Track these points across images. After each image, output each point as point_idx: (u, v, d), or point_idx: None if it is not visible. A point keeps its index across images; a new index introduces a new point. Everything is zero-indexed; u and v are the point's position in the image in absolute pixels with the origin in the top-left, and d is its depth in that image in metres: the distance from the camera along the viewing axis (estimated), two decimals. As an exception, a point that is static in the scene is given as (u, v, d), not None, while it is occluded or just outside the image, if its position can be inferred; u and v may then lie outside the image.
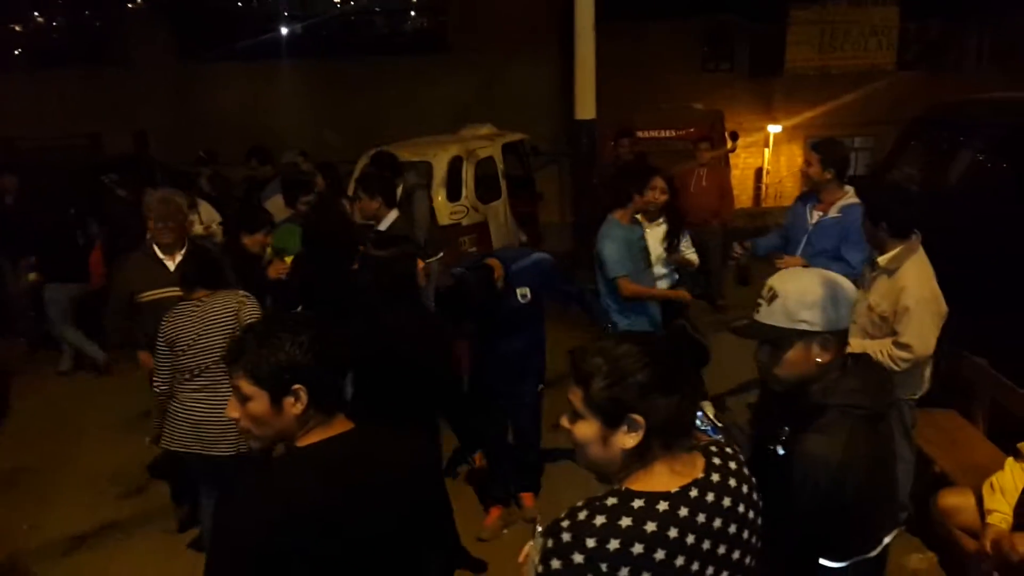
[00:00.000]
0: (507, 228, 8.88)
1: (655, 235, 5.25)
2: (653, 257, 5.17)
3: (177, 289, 4.40)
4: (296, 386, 1.79)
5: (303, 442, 1.83)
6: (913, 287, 3.62)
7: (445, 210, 8.09)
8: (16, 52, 22.33)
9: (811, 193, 4.85)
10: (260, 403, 1.80)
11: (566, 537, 1.56)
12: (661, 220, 5.30)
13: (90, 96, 15.42)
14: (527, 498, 4.68)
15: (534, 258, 4.47)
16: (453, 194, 8.24)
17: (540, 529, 1.72)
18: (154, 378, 3.96)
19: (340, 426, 1.87)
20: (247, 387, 1.80)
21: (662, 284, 5.23)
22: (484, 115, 10.34)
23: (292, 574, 1.72)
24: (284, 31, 18.95)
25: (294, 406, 1.80)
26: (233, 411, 1.83)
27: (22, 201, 7.82)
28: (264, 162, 8.03)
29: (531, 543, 1.70)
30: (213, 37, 16.19)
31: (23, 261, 7.28)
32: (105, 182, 8.34)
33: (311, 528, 1.73)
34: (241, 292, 4.00)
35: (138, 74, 15.39)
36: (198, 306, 3.88)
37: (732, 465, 1.71)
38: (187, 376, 3.84)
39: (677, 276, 5.38)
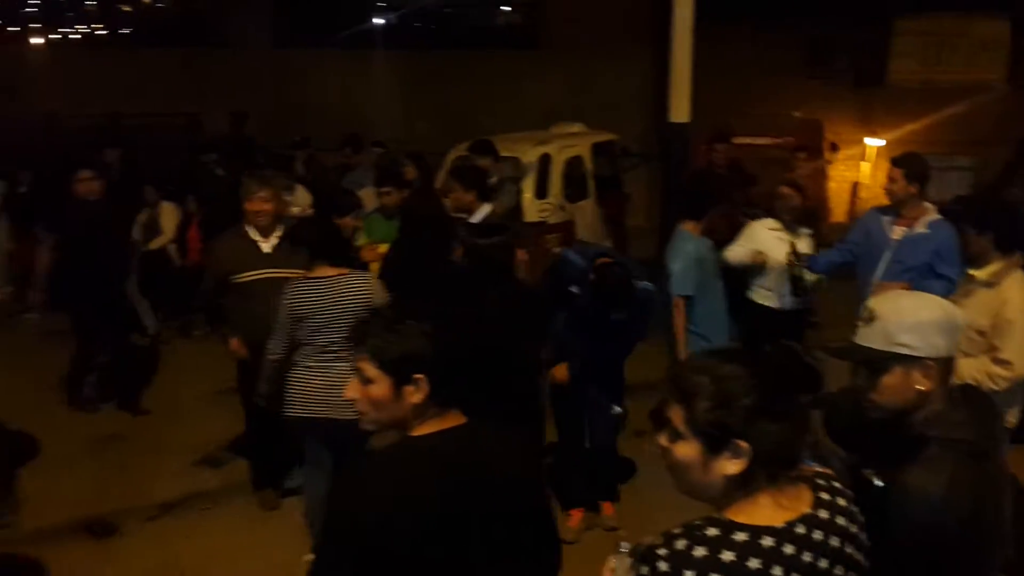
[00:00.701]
0: (593, 228, 8.82)
1: (803, 245, 5.16)
2: (776, 273, 5.06)
3: (271, 271, 4.49)
4: (418, 376, 1.79)
5: (417, 432, 1.84)
6: (1017, 299, 3.47)
7: (532, 207, 8.07)
8: (123, 31, 23.26)
9: (887, 208, 4.70)
10: (381, 387, 1.81)
11: (663, 567, 1.49)
12: (804, 230, 5.21)
13: (191, 76, 15.87)
14: (607, 507, 4.60)
15: (645, 285, 4.27)
16: (541, 191, 8.23)
17: (627, 547, 1.66)
18: (269, 345, 4.01)
19: (453, 419, 1.87)
20: (370, 370, 1.81)
21: (784, 301, 5.19)
22: (573, 114, 10.29)
23: (398, 562, 1.73)
24: (379, 21, 19.31)
25: (413, 395, 1.80)
26: (353, 392, 1.85)
27: (125, 175, 8.12)
28: (358, 151, 8.16)
29: (615, 560, 1.64)
30: (312, 24, 16.55)
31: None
32: (204, 161, 8.56)
33: (420, 518, 1.74)
34: (368, 273, 4.06)
35: (238, 57, 15.78)
36: (330, 282, 3.90)
37: (841, 502, 1.61)
38: (318, 350, 3.90)
39: (797, 293, 5.25)
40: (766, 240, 5.27)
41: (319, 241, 4.05)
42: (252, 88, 15.16)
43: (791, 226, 5.25)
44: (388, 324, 1.81)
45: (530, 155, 8.26)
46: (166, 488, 5.05)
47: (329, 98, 15.05)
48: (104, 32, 27.50)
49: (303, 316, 3.87)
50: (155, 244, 7.89)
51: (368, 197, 6.30)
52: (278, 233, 4.63)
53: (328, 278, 3.92)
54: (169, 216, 7.88)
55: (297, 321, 3.88)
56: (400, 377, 1.79)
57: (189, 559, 4.33)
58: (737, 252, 5.33)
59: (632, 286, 4.00)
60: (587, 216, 8.77)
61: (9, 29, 24.07)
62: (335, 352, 3.84)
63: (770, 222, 5.35)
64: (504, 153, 8.04)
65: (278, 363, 4.01)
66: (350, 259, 4.46)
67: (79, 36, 27.81)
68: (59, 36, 25.26)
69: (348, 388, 1.86)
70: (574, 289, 4.11)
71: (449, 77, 15.12)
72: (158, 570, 4.25)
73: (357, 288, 3.91)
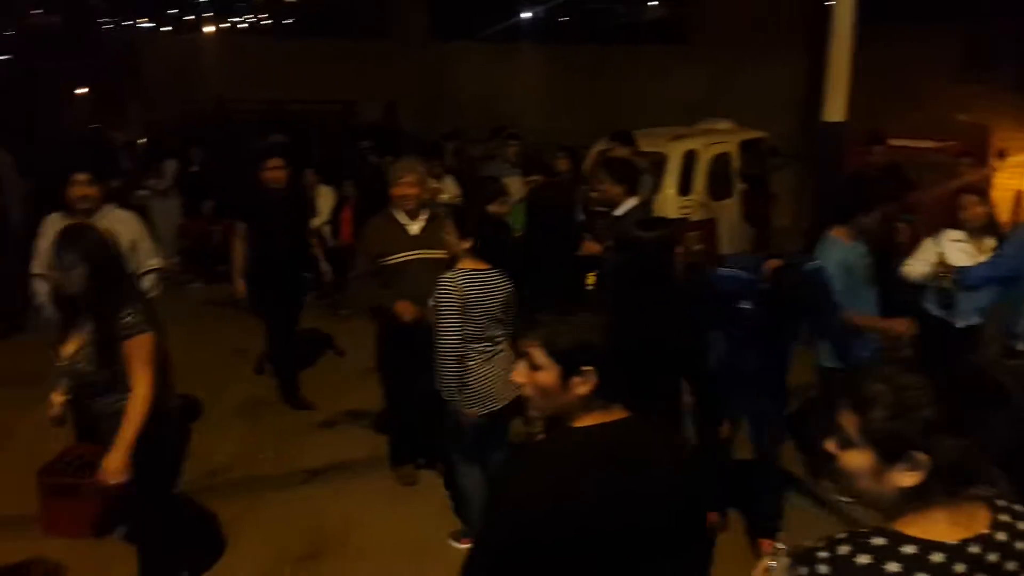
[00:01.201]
0: (736, 228, 8.64)
1: (957, 256, 4.93)
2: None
3: (419, 252, 4.63)
4: (587, 368, 1.80)
5: (580, 423, 1.85)
6: None
7: (674, 203, 7.98)
8: (287, 21, 24.49)
9: None
10: (549, 376, 1.83)
11: (823, 570, 1.48)
12: (989, 240, 4.96)
13: (349, 66, 16.48)
14: (766, 544, 4.13)
15: (812, 266, 4.11)
16: (684, 188, 8.12)
17: (781, 547, 1.64)
18: (444, 338, 3.94)
19: (617, 413, 1.87)
20: (540, 357, 1.83)
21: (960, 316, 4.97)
22: (719, 110, 10.07)
23: (556, 553, 1.75)
24: (527, 15, 19.50)
25: (580, 386, 1.81)
26: (520, 377, 1.87)
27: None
28: (502, 142, 8.29)
29: (768, 561, 1.63)
30: (465, 17, 16.89)
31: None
32: (359, 148, 8.94)
33: (580, 510, 1.74)
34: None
35: (394, 49, 16.29)
36: (488, 275, 3.98)
37: (1021, 526, 1.54)
38: (482, 343, 3.98)
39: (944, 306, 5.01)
40: (950, 252, 5.02)
41: (485, 237, 4.07)
42: (405, 79, 15.63)
43: (976, 236, 4.97)
44: (562, 313, 1.84)
45: (675, 150, 8.16)
46: (314, 455, 5.33)
47: (477, 90, 15.31)
48: (269, 22, 29.05)
49: (471, 307, 3.90)
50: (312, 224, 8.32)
51: (514, 186, 6.42)
52: (424, 216, 4.77)
53: (486, 271, 3.98)
54: (326, 198, 8.28)
55: (464, 313, 3.90)
56: (569, 367, 1.81)
57: (332, 524, 4.55)
58: (916, 267, 5.08)
59: (809, 282, 3.85)
60: (730, 215, 8.59)
61: (185, 18, 25.85)
62: (497, 343, 3.99)
63: (954, 233, 5.09)
64: (648, 148, 7.98)
65: (460, 358, 3.96)
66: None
67: (246, 25, 29.50)
68: (228, 25, 26.89)
69: (515, 372, 1.88)
70: (745, 305, 3.90)
71: (595, 71, 15.10)
72: (306, 532, 4.49)
73: (502, 281, 4.01)
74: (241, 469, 5.17)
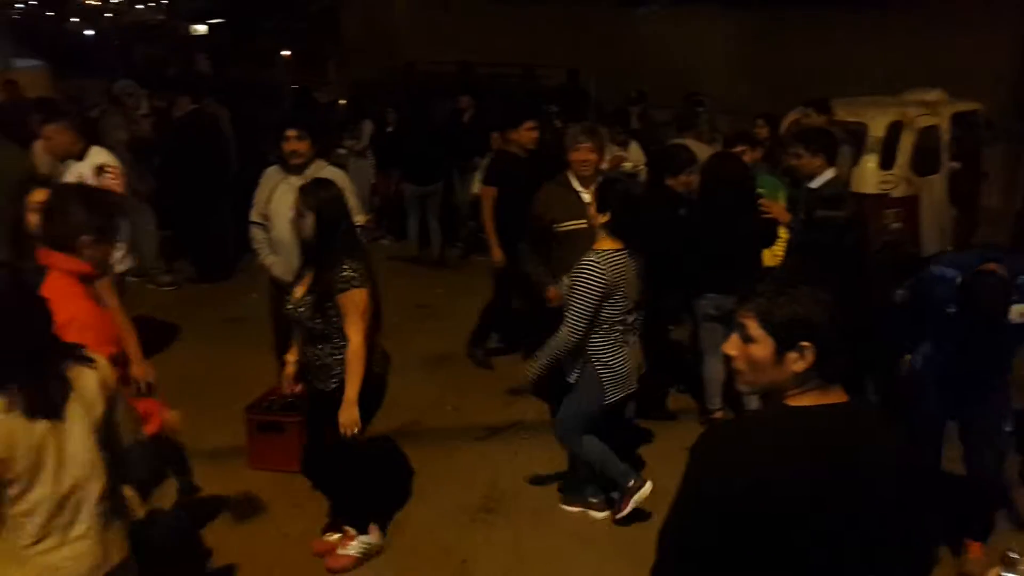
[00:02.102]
0: (940, 207, 8.02)
1: None
2: None
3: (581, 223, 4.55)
4: (804, 343, 1.73)
5: (794, 402, 1.77)
6: None
7: (873, 178, 7.51)
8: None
9: None
10: (763, 349, 1.77)
11: None
12: None
13: (532, 29, 16.56)
14: (973, 548, 3.89)
15: None
16: (886, 162, 7.62)
17: (1016, 556, 1.52)
18: (571, 323, 3.83)
19: (835, 396, 1.78)
20: (754, 329, 1.77)
21: None
22: (921, 81, 9.33)
23: (756, 542, 1.68)
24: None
25: (796, 362, 1.74)
26: (732, 349, 1.82)
27: (475, 121, 8.77)
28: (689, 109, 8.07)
29: (1003, 569, 1.51)
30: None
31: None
32: (545, 112, 8.97)
33: (788, 494, 1.67)
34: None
35: (580, 13, 16.22)
36: (621, 256, 3.84)
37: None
38: (619, 325, 3.91)
39: None
40: None
41: (621, 214, 3.84)
42: (589, 44, 15.54)
43: None
44: (780, 285, 1.77)
45: (879, 120, 7.65)
46: (495, 413, 5.48)
47: (665, 55, 15.00)
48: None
49: (614, 290, 3.80)
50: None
51: (703, 154, 6.24)
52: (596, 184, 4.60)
53: (620, 251, 3.83)
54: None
55: (607, 297, 3.80)
56: (785, 341, 1.74)
57: (508, 481, 4.69)
58: None
59: (1008, 299, 3.46)
60: (935, 193, 7.98)
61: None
62: (631, 326, 3.94)
63: None
64: (850, 118, 7.55)
65: (575, 344, 3.86)
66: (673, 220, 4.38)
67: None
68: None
69: (728, 344, 1.84)
70: (951, 309, 3.59)
71: (787, 37, 14.39)
72: (483, 486, 4.65)
73: (633, 264, 3.88)
74: (424, 420, 5.39)
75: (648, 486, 4.06)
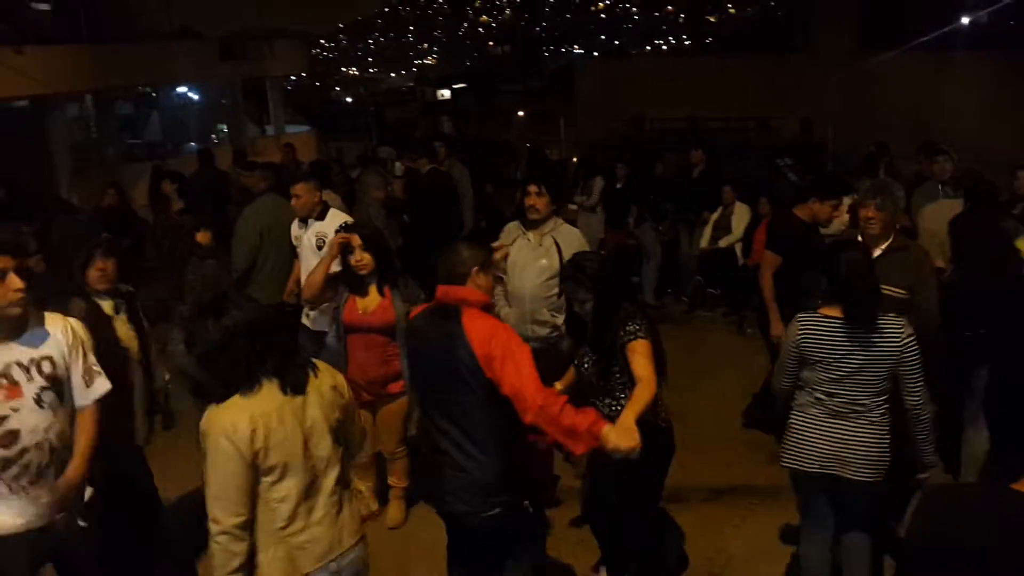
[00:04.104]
0: None
1: None
2: None
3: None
4: None
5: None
6: None
7: None
8: (708, 40, 24.84)
9: None
10: None
11: None
12: None
13: (765, 81, 16.28)
14: None
15: None
16: None
17: None
18: (776, 375, 3.72)
19: None
20: None
21: None
22: None
23: None
24: (965, 20, 17.57)
25: None
26: None
27: (707, 175, 8.71)
28: (930, 159, 7.50)
29: None
30: (897, 26, 15.75)
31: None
32: (779, 165, 8.75)
33: None
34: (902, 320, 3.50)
35: (815, 62, 15.76)
36: (847, 327, 3.42)
37: None
38: (829, 400, 3.53)
39: None
40: None
41: (845, 274, 3.45)
42: (822, 93, 15.02)
43: None
44: None
45: None
46: (716, 473, 5.31)
47: (906, 103, 14.17)
48: (689, 43, 29.73)
49: (809, 357, 3.50)
50: (724, 243, 8.36)
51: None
52: (884, 245, 4.30)
53: (841, 320, 3.42)
54: (741, 216, 8.24)
55: (802, 362, 3.54)
56: None
57: (736, 548, 4.50)
58: None
59: None
60: None
61: (614, 43, 27.46)
62: (853, 407, 3.47)
63: None
64: None
65: (784, 395, 3.69)
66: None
67: (666, 48, 30.53)
68: (650, 48, 28.07)
69: None
70: None
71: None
72: (708, 549, 4.49)
73: (890, 336, 3.38)
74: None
75: None
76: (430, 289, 3.37)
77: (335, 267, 4.53)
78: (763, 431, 5.72)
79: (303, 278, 5.20)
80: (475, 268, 3.17)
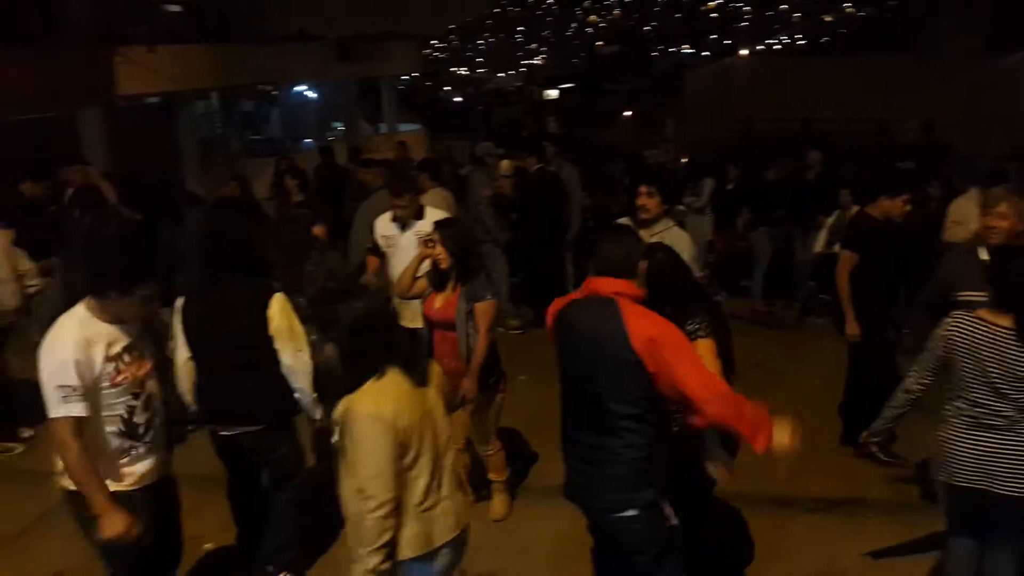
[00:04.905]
0: None
1: None
2: None
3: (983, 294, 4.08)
4: None
5: None
6: None
7: None
8: (823, 40, 24.07)
9: None
10: None
11: None
12: None
13: (881, 83, 15.74)
14: None
15: None
16: None
17: None
18: (911, 376, 3.59)
19: None
20: None
21: None
22: None
23: None
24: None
25: None
26: None
27: (823, 177, 8.48)
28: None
29: None
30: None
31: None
32: (900, 168, 8.44)
33: None
34: None
35: (940, 63, 15.14)
36: (1004, 332, 3.27)
37: None
38: (978, 407, 3.38)
39: None
40: None
41: (1015, 283, 3.26)
42: (951, 94, 14.39)
43: None
44: None
45: None
46: (828, 485, 5.16)
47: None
48: (804, 42, 28.89)
49: (958, 361, 3.34)
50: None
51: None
52: None
53: (1000, 326, 3.26)
54: (855, 220, 7.97)
55: (946, 364, 3.39)
56: None
57: (850, 562, 4.36)
58: None
59: None
60: None
61: (724, 42, 26.96)
62: (1005, 418, 3.29)
63: None
64: None
65: (912, 400, 3.59)
66: None
67: (780, 47, 29.75)
68: (764, 47, 27.43)
69: None
70: None
71: None
72: (820, 563, 4.39)
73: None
74: (747, 483, 5.21)
75: None
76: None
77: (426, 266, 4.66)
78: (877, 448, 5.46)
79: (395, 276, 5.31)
80: (641, 262, 3.23)
